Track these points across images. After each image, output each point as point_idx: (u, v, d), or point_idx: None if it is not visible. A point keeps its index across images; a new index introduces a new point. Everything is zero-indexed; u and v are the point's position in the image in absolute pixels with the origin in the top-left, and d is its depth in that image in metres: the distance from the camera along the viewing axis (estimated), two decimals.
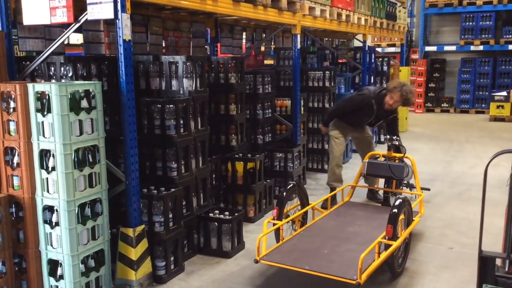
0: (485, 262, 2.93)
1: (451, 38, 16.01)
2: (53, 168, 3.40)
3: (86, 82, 3.76)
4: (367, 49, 9.12)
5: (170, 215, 4.10)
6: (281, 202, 4.30)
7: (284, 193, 4.38)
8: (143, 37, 5.47)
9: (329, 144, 6.20)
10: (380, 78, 10.05)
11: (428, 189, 5.66)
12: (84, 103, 3.45)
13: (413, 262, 4.40)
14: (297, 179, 6.45)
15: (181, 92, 4.42)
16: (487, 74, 15.28)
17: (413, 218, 4.37)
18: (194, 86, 4.47)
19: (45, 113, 3.36)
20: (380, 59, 10.18)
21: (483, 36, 14.99)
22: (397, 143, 5.34)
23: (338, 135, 5.92)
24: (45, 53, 3.95)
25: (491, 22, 14.82)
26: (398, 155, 5.23)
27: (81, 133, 3.44)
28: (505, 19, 15.14)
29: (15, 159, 3.53)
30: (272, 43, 8.96)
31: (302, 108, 6.92)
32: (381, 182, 5.42)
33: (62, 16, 3.73)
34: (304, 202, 4.69)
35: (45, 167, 3.45)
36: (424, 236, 5.01)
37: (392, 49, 15.93)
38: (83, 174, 3.47)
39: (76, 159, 3.41)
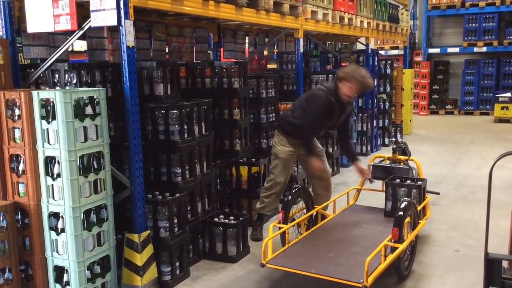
0: (492, 264, 2.91)
1: (454, 40, 15.99)
2: (58, 175, 3.41)
3: (90, 88, 3.77)
4: (370, 52, 9.13)
5: (175, 220, 4.10)
6: (286, 206, 4.29)
7: (289, 197, 4.38)
8: (146, 43, 5.49)
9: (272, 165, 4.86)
10: (384, 81, 10.04)
11: (438, 193, 5.61)
12: (88, 110, 3.46)
13: (419, 264, 4.38)
14: (302, 183, 6.44)
15: None
16: (491, 76, 15.24)
17: (419, 221, 4.36)
18: None
19: (50, 120, 3.38)
20: (383, 61, 10.17)
21: (486, 37, 14.97)
22: (402, 146, 5.33)
23: (290, 153, 4.74)
24: (49, 60, 3.98)
25: (494, 24, 14.81)
26: (403, 157, 5.22)
27: (85, 139, 3.45)
28: (508, 20, 15.12)
29: (21, 166, 3.55)
30: (275, 47, 8.98)
31: None
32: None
33: (65, 24, 3.75)
34: (309, 205, 4.68)
35: (50, 174, 3.46)
36: (430, 239, 4.99)
37: (395, 52, 15.91)
38: (88, 180, 3.48)
39: (81, 166, 3.42)
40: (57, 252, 3.53)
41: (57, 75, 4.05)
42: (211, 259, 4.57)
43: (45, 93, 3.42)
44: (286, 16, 6.00)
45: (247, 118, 5.55)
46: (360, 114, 8.93)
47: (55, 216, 3.52)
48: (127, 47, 3.65)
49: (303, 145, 4.65)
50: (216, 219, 4.66)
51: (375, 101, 9.48)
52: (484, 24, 14.92)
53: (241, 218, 4.66)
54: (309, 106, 4.56)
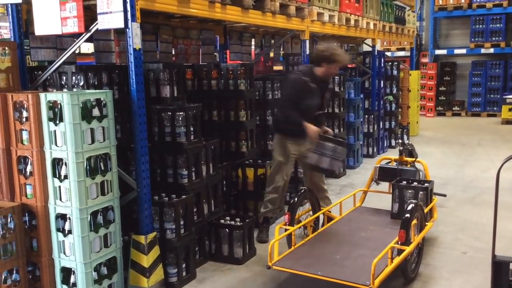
0: (499, 267, 2.91)
1: (461, 41, 15.93)
2: (66, 177, 3.43)
3: (97, 91, 3.79)
4: (376, 53, 9.11)
5: (182, 222, 4.11)
6: (292, 208, 4.29)
7: (296, 199, 4.38)
8: (153, 45, 5.52)
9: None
10: (390, 83, 10.02)
11: (445, 195, 5.59)
12: (95, 112, 3.48)
13: (426, 267, 4.36)
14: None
15: None
16: (498, 77, 15.17)
17: (426, 223, 4.34)
18: None
19: (57, 122, 3.40)
20: (390, 63, 10.15)
21: (494, 38, 14.91)
22: (409, 148, 5.31)
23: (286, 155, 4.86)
24: (57, 62, 4.01)
25: (501, 25, 14.74)
26: (409, 159, 5.20)
27: (92, 141, 3.47)
28: None
29: (28, 168, 3.57)
30: (281, 49, 8.97)
31: None
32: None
33: (73, 26, 3.77)
34: (316, 207, 4.68)
35: (57, 176, 3.48)
36: (437, 241, 4.97)
37: (401, 53, 15.87)
38: (95, 182, 3.50)
39: (88, 167, 3.43)
40: (64, 253, 3.54)
41: (64, 77, 4.08)
42: (217, 261, 4.58)
43: (52, 95, 3.44)
44: (292, 18, 6.00)
45: (253, 120, 5.55)
46: (366, 116, 8.91)
47: (62, 217, 3.53)
48: (134, 49, 3.66)
49: (291, 122, 4.63)
50: (222, 221, 4.66)
51: (382, 102, 9.47)
52: (491, 25, 14.86)
53: (247, 220, 4.66)
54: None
